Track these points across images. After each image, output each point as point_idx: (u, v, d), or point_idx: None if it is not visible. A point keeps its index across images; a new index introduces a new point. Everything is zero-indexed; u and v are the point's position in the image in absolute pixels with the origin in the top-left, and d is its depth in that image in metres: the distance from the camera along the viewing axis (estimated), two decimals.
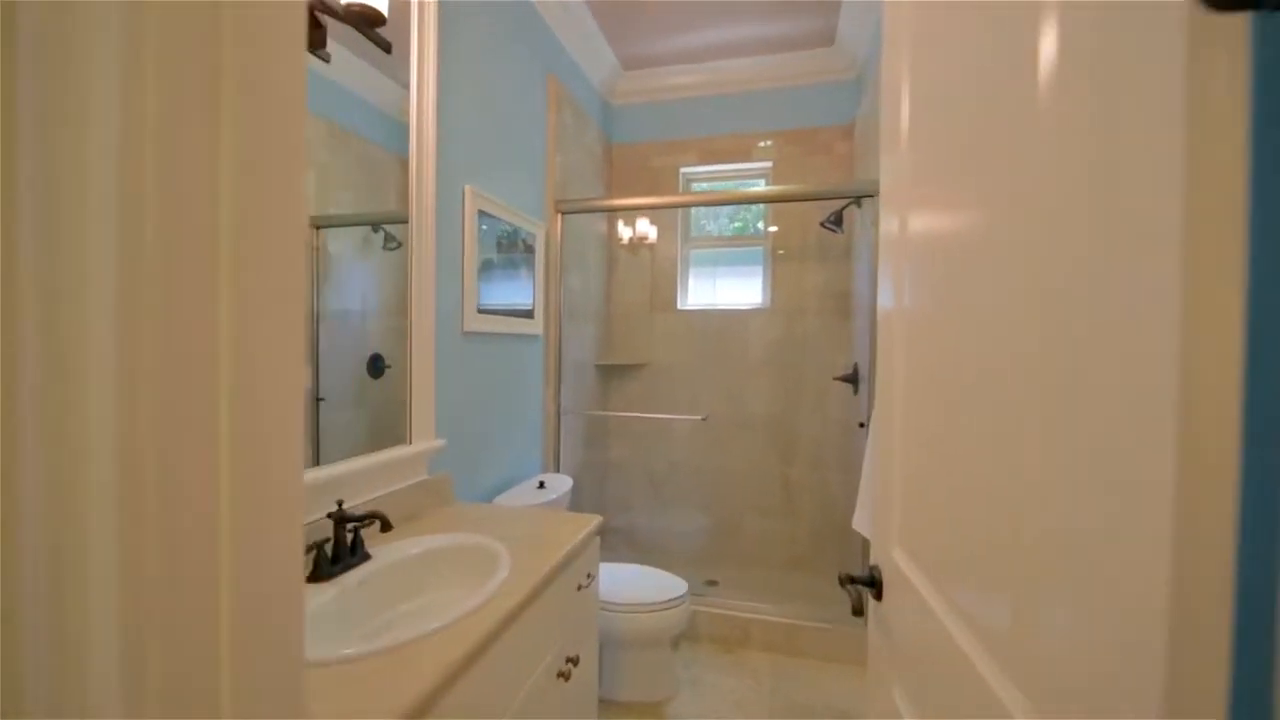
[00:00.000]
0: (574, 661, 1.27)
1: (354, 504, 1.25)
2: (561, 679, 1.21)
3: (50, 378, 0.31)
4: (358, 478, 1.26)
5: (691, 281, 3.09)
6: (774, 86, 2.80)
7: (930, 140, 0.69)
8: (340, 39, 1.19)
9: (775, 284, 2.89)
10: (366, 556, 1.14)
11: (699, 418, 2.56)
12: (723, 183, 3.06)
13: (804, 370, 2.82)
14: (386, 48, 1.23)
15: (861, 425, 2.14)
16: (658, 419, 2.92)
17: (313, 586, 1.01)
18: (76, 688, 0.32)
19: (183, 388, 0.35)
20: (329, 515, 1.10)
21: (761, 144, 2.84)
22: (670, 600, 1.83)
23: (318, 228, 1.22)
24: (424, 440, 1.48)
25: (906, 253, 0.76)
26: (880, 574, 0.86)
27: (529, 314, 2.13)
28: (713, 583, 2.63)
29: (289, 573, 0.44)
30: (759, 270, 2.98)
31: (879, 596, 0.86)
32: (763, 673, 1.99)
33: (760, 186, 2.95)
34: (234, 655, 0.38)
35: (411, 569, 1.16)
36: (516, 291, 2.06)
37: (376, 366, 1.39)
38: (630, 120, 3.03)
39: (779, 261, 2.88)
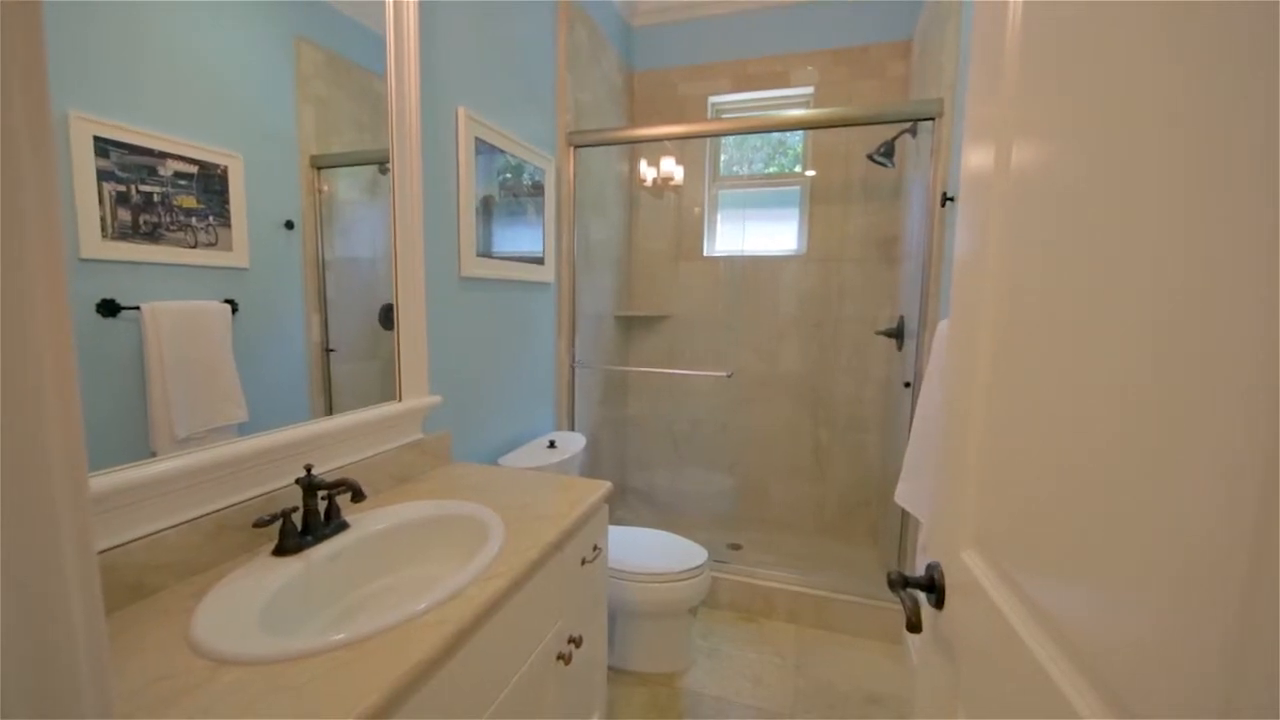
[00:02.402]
0: (577, 642, 1.15)
1: (341, 465, 1.14)
2: (562, 661, 1.10)
3: None
4: (339, 437, 1.13)
5: (720, 226, 2.84)
6: None
7: (1061, 33, 0.48)
8: None
9: (812, 228, 2.61)
10: (344, 526, 1.02)
11: (724, 374, 2.38)
12: (757, 113, 2.74)
13: (841, 323, 2.58)
14: None
15: (907, 385, 1.92)
16: (681, 375, 2.74)
17: (276, 561, 0.90)
18: None
19: None
20: (297, 481, 0.97)
21: (803, 69, 2.51)
22: (689, 570, 1.71)
23: (319, 168, 1.11)
24: (416, 396, 1.34)
25: (1005, 192, 0.57)
26: (941, 577, 0.69)
27: (539, 260, 1.95)
28: (736, 547, 2.51)
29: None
30: (794, 213, 2.70)
31: (939, 604, 0.68)
32: (787, 646, 1.87)
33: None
34: None
35: (391, 541, 1.04)
36: (525, 235, 1.87)
37: (389, 317, 1.30)
38: (654, 44, 2.72)
39: (817, 202, 2.60)
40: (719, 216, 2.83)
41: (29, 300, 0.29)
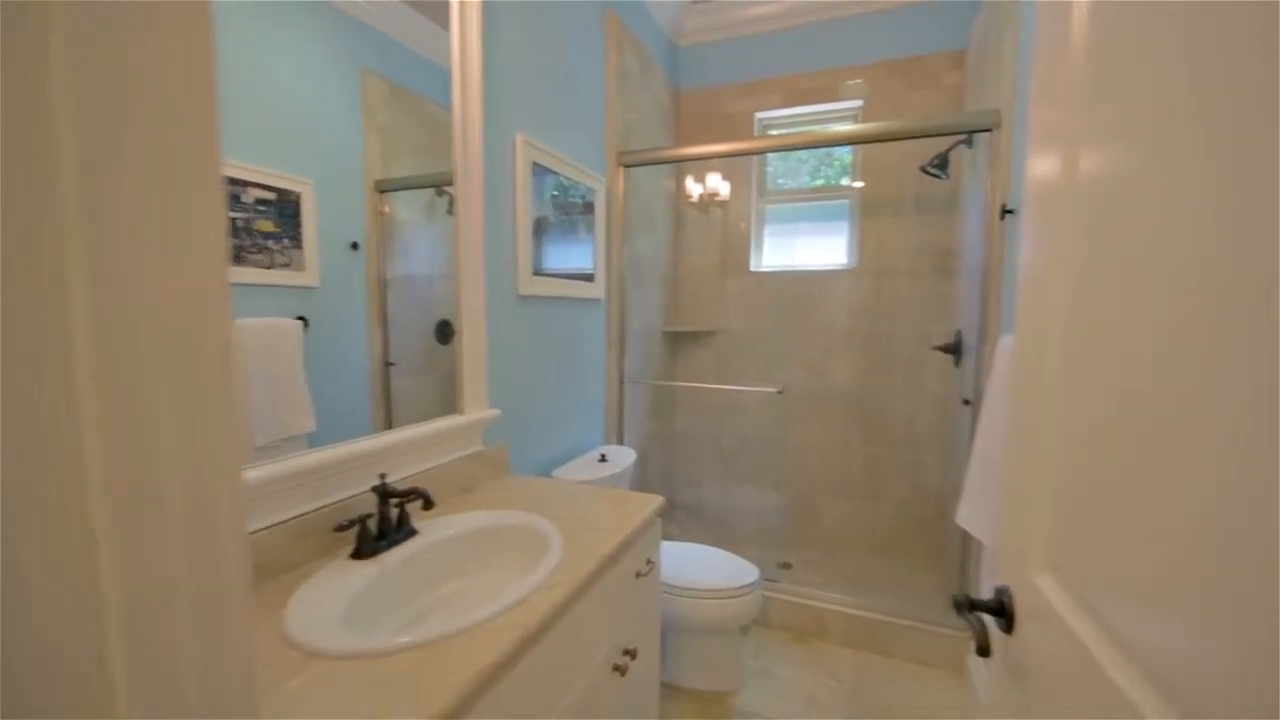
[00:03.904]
0: (632, 654, 1.16)
1: (408, 475, 1.21)
2: (617, 673, 1.11)
3: None
4: (407, 448, 1.20)
5: (767, 241, 2.83)
6: (870, 10, 2.43)
7: (1137, 32, 0.47)
8: None
9: (863, 241, 2.57)
10: (413, 532, 1.08)
11: (774, 390, 2.36)
12: (804, 128, 2.74)
13: (895, 338, 2.52)
14: None
15: (966, 403, 1.85)
16: (729, 390, 2.74)
17: (354, 564, 0.96)
18: None
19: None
20: (373, 489, 1.04)
21: (854, 82, 2.50)
22: (740, 587, 1.69)
23: (381, 191, 1.19)
24: (477, 409, 1.41)
25: (1074, 201, 0.56)
26: (1011, 601, 0.67)
27: (589, 277, 2.00)
28: (786, 565, 2.46)
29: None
30: (844, 227, 2.67)
31: (1009, 629, 0.67)
32: (841, 670, 1.82)
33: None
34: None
35: (458, 548, 1.09)
36: (576, 253, 1.93)
37: (445, 333, 1.36)
38: (700, 62, 2.77)
39: (867, 215, 2.56)
40: (766, 231, 2.83)
41: (214, 321, 0.34)
